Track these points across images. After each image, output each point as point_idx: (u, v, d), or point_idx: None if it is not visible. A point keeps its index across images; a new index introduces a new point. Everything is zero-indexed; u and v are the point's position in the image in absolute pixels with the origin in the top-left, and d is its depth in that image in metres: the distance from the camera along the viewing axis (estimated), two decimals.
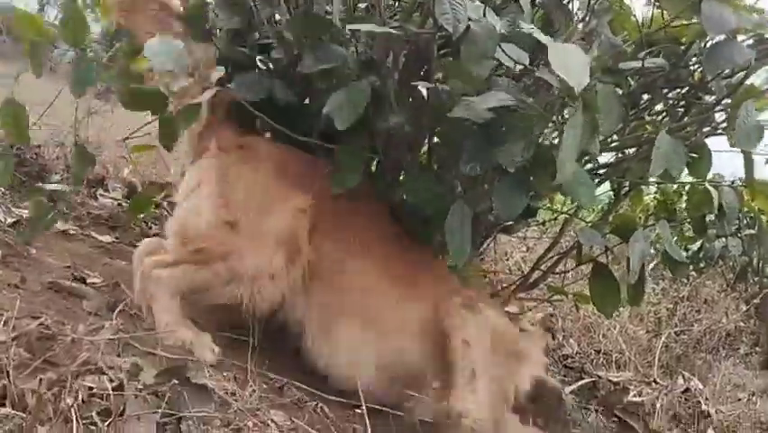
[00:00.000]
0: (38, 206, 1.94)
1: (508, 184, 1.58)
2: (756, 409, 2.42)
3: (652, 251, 3.42)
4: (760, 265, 3.75)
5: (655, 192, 2.86)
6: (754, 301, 3.64)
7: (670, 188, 2.51)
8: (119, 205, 2.72)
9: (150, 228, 2.65)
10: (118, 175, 3.07)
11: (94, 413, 1.10)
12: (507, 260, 3.29)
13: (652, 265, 3.73)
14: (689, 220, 2.29)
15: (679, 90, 1.92)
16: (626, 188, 2.17)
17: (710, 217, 2.13)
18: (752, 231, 3.54)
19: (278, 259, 1.67)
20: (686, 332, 3.18)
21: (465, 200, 1.64)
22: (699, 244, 3.56)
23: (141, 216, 2.59)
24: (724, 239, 3.34)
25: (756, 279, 3.80)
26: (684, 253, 3.45)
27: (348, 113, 1.60)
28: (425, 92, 1.71)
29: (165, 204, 2.68)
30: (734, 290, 3.85)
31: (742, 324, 3.52)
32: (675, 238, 2.69)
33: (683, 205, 2.46)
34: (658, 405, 2.31)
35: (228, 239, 1.67)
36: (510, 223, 2.19)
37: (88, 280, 1.88)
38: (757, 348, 3.40)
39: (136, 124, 2.46)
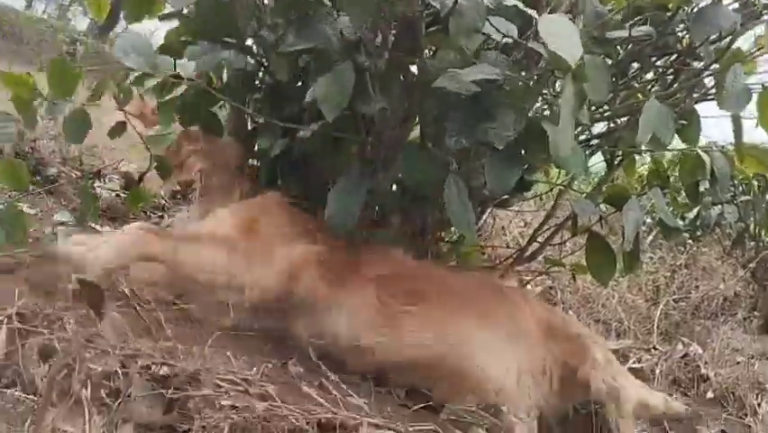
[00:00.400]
0: None
1: (500, 158, 1.58)
2: (755, 370, 2.45)
3: (648, 220, 3.45)
4: (756, 231, 3.77)
5: (650, 162, 2.87)
6: (751, 266, 3.67)
7: (663, 156, 2.52)
8: (117, 196, 2.73)
9: (150, 218, 2.66)
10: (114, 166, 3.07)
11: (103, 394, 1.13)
12: (505, 235, 3.31)
13: (651, 237, 3.77)
14: (683, 188, 2.31)
15: (667, 57, 1.93)
16: (619, 158, 2.18)
17: (705, 186, 2.14)
18: (747, 197, 3.56)
19: (278, 268, 1.68)
20: (684, 299, 3.21)
21: (458, 174, 1.64)
22: (695, 211, 3.57)
23: (140, 205, 2.60)
24: (720, 206, 3.36)
25: (753, 244, 3.82)
26: (681, 222, 3.48)
27: (337, 100, 1.59)
28: (414, 69, 1.71)
29: (162, 192, 2.69)
30: (731, 256, 3.87)
31: (740, 289, 3.55)
32: (671, 208, 2.71)
33: (677, 173, 2.48)
34: (658, 370, 2.35)
35: (236, 237, 1.72)
36: (506, 197, 2.21)
37: None
38: (755, 313, 3.42)
39: None
